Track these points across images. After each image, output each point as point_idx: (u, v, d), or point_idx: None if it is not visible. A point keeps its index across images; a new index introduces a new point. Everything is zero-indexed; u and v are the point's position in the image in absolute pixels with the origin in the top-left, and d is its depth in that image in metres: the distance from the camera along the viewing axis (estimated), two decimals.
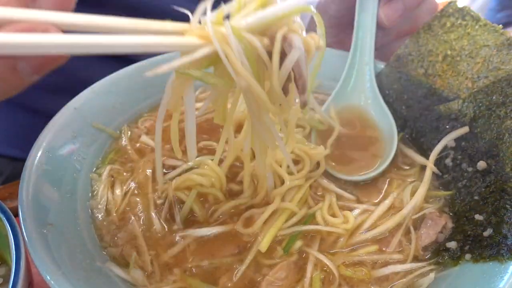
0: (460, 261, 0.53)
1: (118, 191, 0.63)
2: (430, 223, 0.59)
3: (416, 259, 0.56)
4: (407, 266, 0.55)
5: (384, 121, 0.74)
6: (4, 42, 0.33)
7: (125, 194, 0.63)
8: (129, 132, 0.73)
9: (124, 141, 0.71)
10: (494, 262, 0.50)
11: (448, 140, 0.67)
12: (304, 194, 0.61)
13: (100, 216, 0.59)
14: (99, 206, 0.60)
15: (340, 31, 0.89)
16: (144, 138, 0.72)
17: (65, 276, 0.45)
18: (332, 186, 0.65)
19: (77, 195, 0.60)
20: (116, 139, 0.71)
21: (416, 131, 0.73)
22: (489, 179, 0.60)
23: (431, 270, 0.54)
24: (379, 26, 0.80)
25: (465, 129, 0.65)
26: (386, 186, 0.66)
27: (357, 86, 0.78)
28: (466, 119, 0.66)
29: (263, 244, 0.55)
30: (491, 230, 0.54)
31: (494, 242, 0.52)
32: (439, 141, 0.68)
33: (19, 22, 0.35)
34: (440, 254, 0.56)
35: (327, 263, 0.54)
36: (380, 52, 0.84)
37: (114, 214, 0.60)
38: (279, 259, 0.55)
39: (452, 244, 0.55)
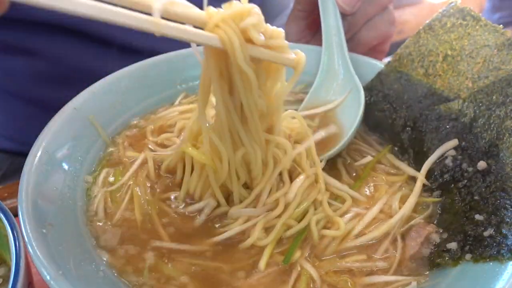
0: (460, 261, 0.53)
1: (114, 197, 0.62)
2: (413, 235, 0.59)
3: (401, 269, 0.56)
4: (392, 278, 0.54)
5: (355, 95, 0.75)
6: None
7: (122, 199, 0.62)
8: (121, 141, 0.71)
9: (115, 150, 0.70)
10: (494, 262, 0.50)
11: (440, 152, 0.67)
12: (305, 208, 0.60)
13: (97, 222, 0.58)
14: (95, 211, 0.60)
15: (314, 30, 0.91)
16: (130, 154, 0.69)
17: (65, 276, 0.45)
18: (331, 181, 0.65)
19: (77, 195, 0.60)
20: (108, 145, 0.70)
21: (416, 131, 0.73)
22: (489, 179, 0.60)
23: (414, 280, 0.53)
24: (344, 15, 0.81)
25: (455, 141, 0.66)
26: (374, 191, 0.66)
27: (329, 76, 0.80)
28: (466, 119, 0.66)
29: (262, 263, 0.54)
30: (492, 230, 0.54)
31: (495, 242, 0.52)
32: (439, 141, 0.68)
33: None
34: (440, 255, 0.56)
35: (311, 271, 0.54)
36: (355, 41, 0.85)
37: (110, 222, 0.59)
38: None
39: (452, 245, 0.55)
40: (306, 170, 0.61)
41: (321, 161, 0.65)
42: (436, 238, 0.58)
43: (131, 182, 0.64)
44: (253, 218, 0.58)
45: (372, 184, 0.67)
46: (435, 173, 0.67)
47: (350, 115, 0.73)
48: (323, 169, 0.65)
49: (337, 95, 0.78)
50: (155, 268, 0.54)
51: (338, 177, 0.67)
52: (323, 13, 0.82)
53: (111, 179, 0.64)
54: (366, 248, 0.58)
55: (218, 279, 0.53)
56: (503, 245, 0.51)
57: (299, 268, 0.54)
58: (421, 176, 0.66)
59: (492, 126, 0.63)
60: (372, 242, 0.58)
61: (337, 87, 0.79)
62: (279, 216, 0.58)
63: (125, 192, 0.63)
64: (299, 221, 0.59)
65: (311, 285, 0.53)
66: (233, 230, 0.57)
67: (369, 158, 0.71)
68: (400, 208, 0.62)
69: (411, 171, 0.69)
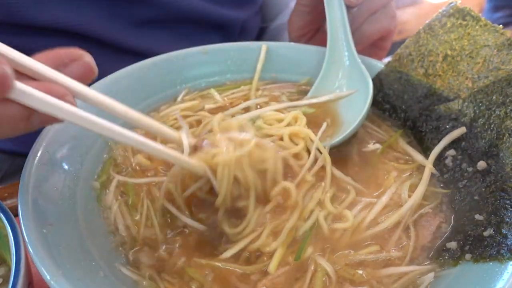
0: (460, 261, 0.53)
1: (135, 212, 0.60)
2: (424, 224, 0.59)
3: (416, 259, 0.56)
4: (409, 268, 0.54)
5: (363, 86, 0.75)
6: (34, 96, 0.41)
7: (140, 214, 0.60)
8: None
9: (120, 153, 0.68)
10: (494, 262, 0.50)
11: (448, 140, 0.67)
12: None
13: (119, 239, 0.57)
14: (114, 225, 0.58)
15: (317, 26, 0.91)
16: (139, 158, 0.67)
17: (65, 276, 0.45)
18: (336, 172, 0.64)
19: (77, 195, 0.60)
20: (111, 147, 0.68)
21: (416, 131, 0.73)
22: (489, 179, 0.60)
23: (431, 270, 0.54)
24: (349, 7, 0.81)
25: (463, 129, 0.66)
26: (383, 179, 0.66)
27: (334, 67, 0.80)
28: (466, 119, 0.66)
29: (273, 265, 0.53)
30: (491, 230, 0.54)
31: (494, 242, 0.52)
32: (439, 141, 0.68)
33: (47, 80, 0.43)
34: (440, 254, 0.56)
35: (326, 267, 0.53)
36: (357, 35, 0.85)
37: (136, 239, 0.57)
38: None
39: (452, 244, 0.55)
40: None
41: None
42: (445, 228, 0.59)
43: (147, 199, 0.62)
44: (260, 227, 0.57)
45: (381, 172, 0.66)
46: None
47: (357, 106, 0.72)
48: (332, 158, 0.64)
49: (343, 87, 0.78)
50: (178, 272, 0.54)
51: (347, 165, 0.67)
52: (328, 5, 0.82)
53: (129, 200, 0.63)
54: (379, 238, 0.57)
55: (232, 283, 0.53)
56: (503, 245, 0.51)
57: (313, 265, 0.54)
58: (429, 164, 0.66)
59: (492, 126, 0.63)
60: (384, 232, 0.58)
61: (342, 78, 0.79)
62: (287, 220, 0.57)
63: (141, 206, 0.61)
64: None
65: (327, 281, 0.53)
66: (243, 242, 0.55)
67: (378, 146, 0.71)
68: (409, 197, 0.61)
69: (420, 158, 0.68)
